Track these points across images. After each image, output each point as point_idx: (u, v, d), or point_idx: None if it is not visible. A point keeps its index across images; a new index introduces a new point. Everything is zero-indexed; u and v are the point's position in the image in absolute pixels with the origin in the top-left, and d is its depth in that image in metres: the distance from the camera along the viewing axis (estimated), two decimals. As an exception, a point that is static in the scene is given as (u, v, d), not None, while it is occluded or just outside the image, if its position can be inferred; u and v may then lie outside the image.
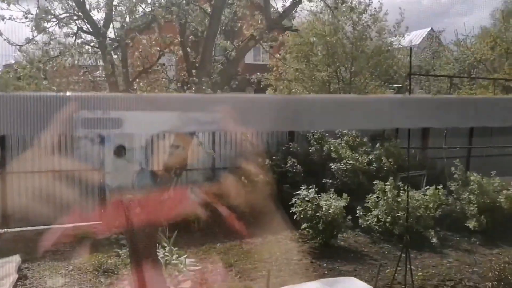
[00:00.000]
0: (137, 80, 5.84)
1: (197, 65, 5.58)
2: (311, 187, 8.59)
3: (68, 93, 0.66)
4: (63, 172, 9.32)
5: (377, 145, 10.61)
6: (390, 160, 10.19)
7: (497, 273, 5.57)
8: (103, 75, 6.04)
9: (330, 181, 9.92)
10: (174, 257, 7.16)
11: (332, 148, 10.36)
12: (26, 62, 5.63)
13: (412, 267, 6.38)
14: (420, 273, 7.20)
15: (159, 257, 6.39)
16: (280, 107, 0.70)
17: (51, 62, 5.59)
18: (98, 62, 6.43)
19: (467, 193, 9.63)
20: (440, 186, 9.42)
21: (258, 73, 11.16)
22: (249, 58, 22.37)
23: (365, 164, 10.10)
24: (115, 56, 5.92)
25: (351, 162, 9.95)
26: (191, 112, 0.70)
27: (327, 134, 10.66)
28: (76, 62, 5.89)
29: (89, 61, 6.40)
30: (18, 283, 6.65)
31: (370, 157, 10.32)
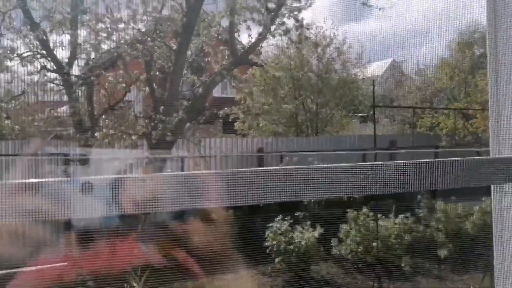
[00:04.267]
0: (103, 117, 5.78)
1: (164, 101, 5.58)
2: (285, 218, 8.55)
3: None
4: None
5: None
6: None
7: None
8: (68, 112, 5.96)
9: (303, 213, 9.87)
10: (144, 297, 6.94)
11: None
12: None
13: (385, 296, 6.37)
14: (393, 302, 7.20)
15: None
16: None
17: (13, 101, 5.50)
18: (63, 98, 6.34)
19: (435, 221, 9.77)
20: (409, 214, 9.53)
21: (226, 108, 11.26)
22: (217, 91, 22.44)
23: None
24: (80, 94, 5.85)
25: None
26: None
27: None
28: (39, 99, 5.81)
29: (54, 97, 6.31)
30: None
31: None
